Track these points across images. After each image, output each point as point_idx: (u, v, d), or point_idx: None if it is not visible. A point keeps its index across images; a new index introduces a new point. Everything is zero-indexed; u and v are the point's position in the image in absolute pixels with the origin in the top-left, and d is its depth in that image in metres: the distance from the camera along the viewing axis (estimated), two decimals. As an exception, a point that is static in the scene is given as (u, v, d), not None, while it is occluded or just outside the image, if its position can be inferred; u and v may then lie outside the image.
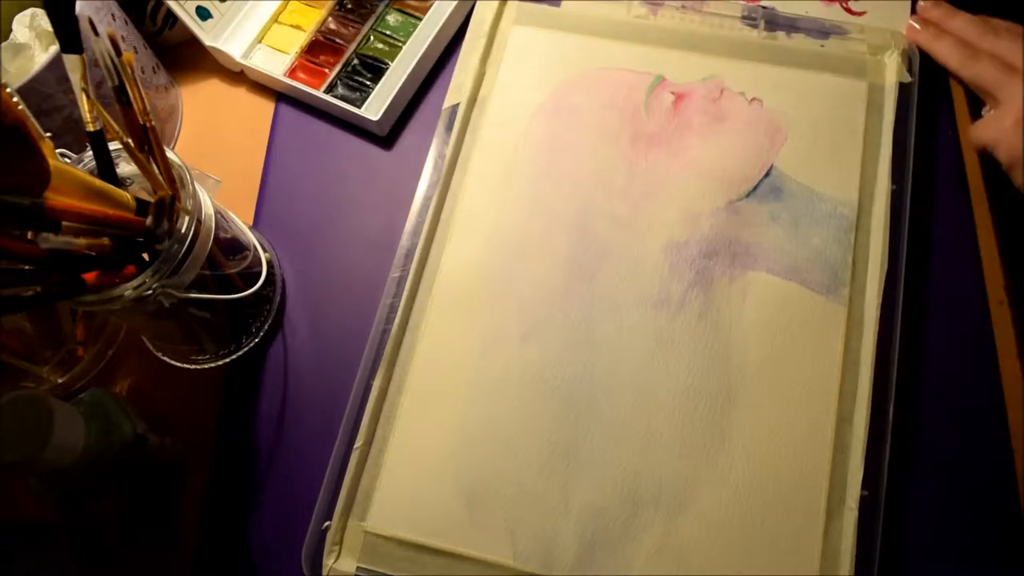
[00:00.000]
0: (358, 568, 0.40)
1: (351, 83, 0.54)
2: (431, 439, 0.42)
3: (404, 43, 0.54)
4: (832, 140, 0.46)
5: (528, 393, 0.42)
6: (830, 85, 0.48)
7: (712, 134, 0.47)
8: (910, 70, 0.47)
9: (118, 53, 0.38)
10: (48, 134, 0.38)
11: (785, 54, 0.49)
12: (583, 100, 0.49)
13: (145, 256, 0.39)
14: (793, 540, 0.38)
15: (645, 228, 0.45)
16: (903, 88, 0.47)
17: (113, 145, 0.39)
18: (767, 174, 0.46)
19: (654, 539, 0.39)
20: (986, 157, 0.44)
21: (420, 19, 0.55)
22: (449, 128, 0.49)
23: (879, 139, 0.46)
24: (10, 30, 0.48)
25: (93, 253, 0.37)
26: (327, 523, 0.41)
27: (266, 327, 0.48)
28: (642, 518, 0.39)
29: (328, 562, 0.40)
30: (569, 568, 0.39)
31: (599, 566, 0.39)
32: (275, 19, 0.57)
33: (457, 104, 0.50)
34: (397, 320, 0.45)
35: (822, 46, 0.49)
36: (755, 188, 0.46)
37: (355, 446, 0.42)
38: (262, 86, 0.57)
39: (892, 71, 0.47)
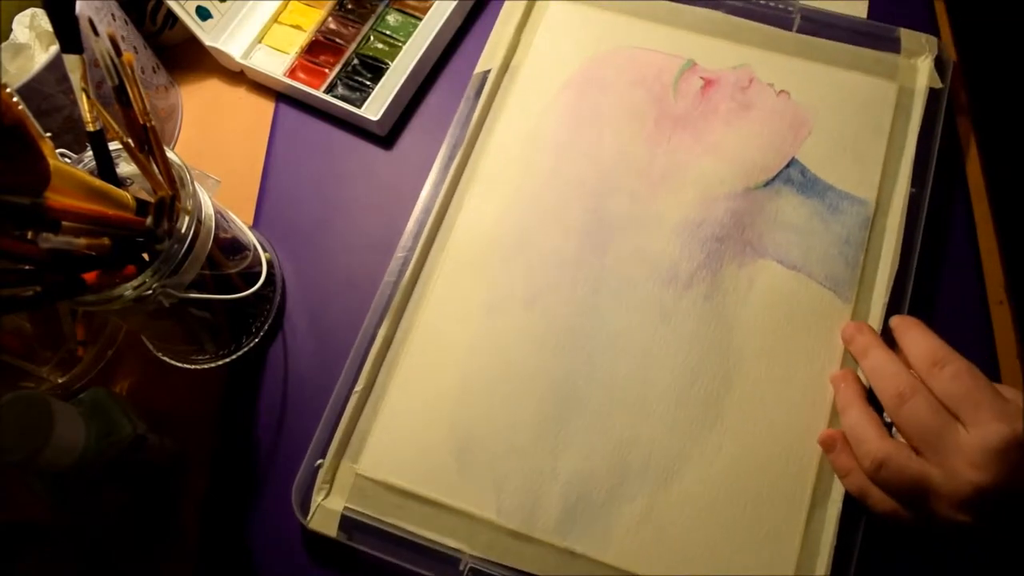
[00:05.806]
0: (345, 508, 0.41)
1: (351, 83, 0.54)
2: (429, 390, 0.43)
3: (404, 43, 0.54)
4: (856, 139, 0.46)
5: (529, 356, 0.43)
6: (860, 84, 0.47)
7: (737, 121, 0.48)
8: (942, 76, 0.47)
9: (118, 53, 0.38)
10: (48, 134, 0.38)
11: (818, 49, 0.49)
12: (613, 77, 0.50)
13: (145, 256, 0.39)
14: (774, 526, 0.38)
15: (661, 206, 0.46)
16: (933, 93, 0.46)
17: (113, 145, 0.39)
18: (788, 165, 0.46)
19: (637, 510, 0.39)
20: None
21: (420, 19, 0.55)
22: (478, 93, 0.50)
23: (903, 142, 0.45)
24: (10, 30, 0.48)
25: (93, 253, 0.37)
26: (320, 461, 0.41)
27: (266, 327, 0.48)
28: (628, 488, 0.40)
29: (317, 499, 0.41)
30: (550, 530, 0.39)
31: (580, 531, 0.39)
32: (275, 19, 0.57)
33: (488, 70, 0.51)
34: (408, 272, 0.45)
35: (855, 46, 0.48)
36: (774, 178, 0.46)
37: (355, 389, 0.43)
38: (262, 86, 0.57)
39: (923, 75, 0.47)
